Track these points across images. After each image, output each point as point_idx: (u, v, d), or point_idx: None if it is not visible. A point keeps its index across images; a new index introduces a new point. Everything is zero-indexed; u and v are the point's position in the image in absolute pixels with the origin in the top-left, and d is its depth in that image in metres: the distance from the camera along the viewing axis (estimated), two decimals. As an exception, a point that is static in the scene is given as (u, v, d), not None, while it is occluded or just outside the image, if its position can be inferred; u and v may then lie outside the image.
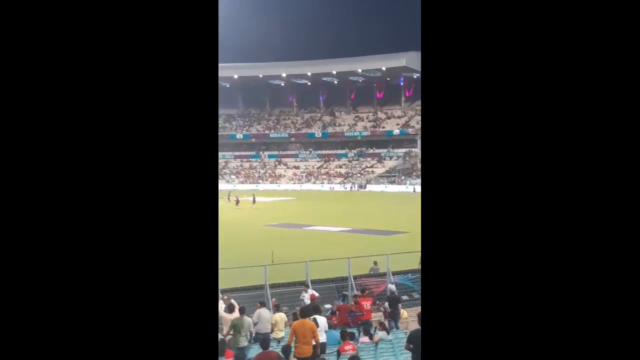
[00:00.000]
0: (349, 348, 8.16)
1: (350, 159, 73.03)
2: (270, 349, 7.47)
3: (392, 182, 63.10)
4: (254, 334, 9.52)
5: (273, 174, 72.36)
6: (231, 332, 8.98)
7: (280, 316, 10.03)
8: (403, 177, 63.62)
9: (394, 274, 14.72)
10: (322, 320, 9.15)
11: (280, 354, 7.26)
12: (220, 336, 8.65)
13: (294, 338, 7.61)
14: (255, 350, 8.49)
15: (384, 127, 73.66)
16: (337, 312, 11.23)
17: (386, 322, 10.63)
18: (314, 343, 7.62)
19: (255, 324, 9.61)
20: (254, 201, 42.46)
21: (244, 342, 8.91)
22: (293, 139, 78.21)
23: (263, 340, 7.50)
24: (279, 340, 9.33)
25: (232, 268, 13.64)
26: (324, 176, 69.71)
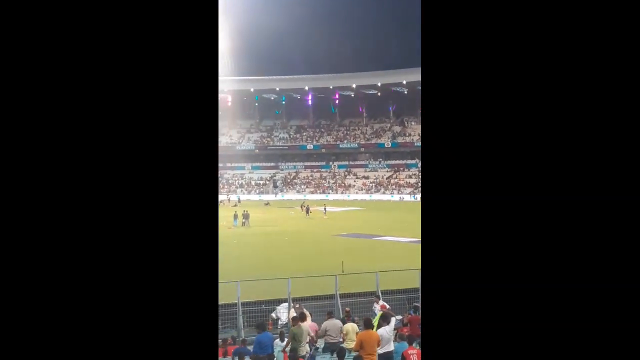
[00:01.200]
0: (412, 352, 8.14)
1: (420, 169, 72.04)
2: None
3: (464, 193, 61.43)
4: (321, 344, 9.64)
5: (343, 184, 72.56)
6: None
7: (352, 326, 10.13)
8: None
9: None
10: (389, 329, 9.16)
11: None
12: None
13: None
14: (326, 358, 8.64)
15: (455, 137, 71.96)
16: (409, 324, 11.17)
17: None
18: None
19: (325, 332, 9.76)
20: (324, 211, 42.78)
21: (303, 351, 9.02)
22: (363, 149, 78.12)
23: (340, 350, 7.61)
24: (349, 350, 9.43)
25: (303, 277, 13.89)
26: (394, 186, 69.14)
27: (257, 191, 73.51)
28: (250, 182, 77.43)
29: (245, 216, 36.44)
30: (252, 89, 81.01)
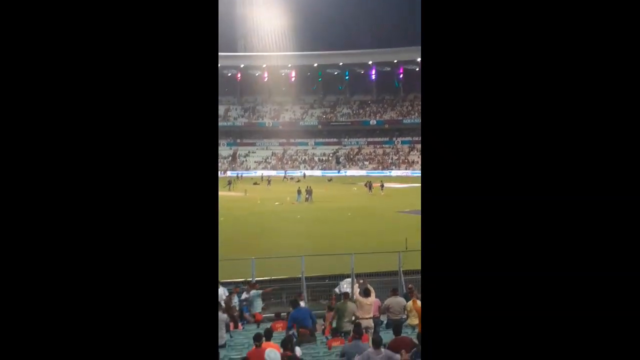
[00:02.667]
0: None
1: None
2: (404, 334, 7.56)
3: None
4: (384, 320, 9.66)
5: (406, 160, 71.74)
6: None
7: (416, 303, 10.07)
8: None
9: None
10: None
11: (415, 340, 7.34)
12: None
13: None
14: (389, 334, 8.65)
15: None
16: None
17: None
18: None
19: (388, 309, 9.77)
20: (382, 187, 42.50)
21: (347, 327, 9.01)
22: (427, 125, 76.75)
23: (396, 326, 7.61)
24: (414, 327, 9.39)
25: (366, 253, 13.91)
26: (459, 163, 67.71)
27: (320, 167, 73.88)
28: (313, 158, 77.89)
29: (309, 192, 36.77)
30: (315, 64, 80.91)
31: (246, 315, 11.77)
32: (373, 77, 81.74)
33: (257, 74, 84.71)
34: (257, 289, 12.65)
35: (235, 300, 11.95)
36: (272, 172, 67.75)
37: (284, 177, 62.43)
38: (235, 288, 12.16)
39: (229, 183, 46.04)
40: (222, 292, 12.10)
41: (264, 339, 7.36)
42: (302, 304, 10.36)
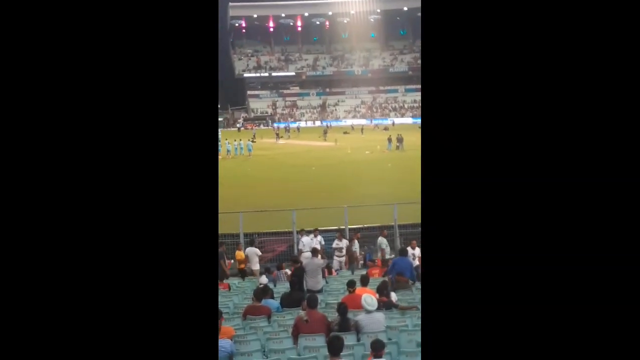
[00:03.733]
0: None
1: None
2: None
3: None
4: None
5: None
6: None
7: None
8: None
9: None
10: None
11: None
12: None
13: None
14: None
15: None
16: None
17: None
18: None
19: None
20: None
21: None
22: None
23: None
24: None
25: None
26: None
27: (411, 114, 72.49)
28: (404, 105, 76.49)
29: (399, 140, 36.32)
30: (405, 8, 78.31)
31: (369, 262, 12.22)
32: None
33: (345, 21, 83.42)
34: (358, 239, 12.93)
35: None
36: (362, 121, 67.41)
37: (375, 126, 61.97)
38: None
39: (325, 133, 46.33)
40: (319, 240, 12.46)
41: (357, 284, 7.49)
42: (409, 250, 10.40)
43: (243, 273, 12.19)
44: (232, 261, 12.56)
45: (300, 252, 12.34)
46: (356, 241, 12.95)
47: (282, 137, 49.83)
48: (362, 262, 12.88)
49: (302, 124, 68.82)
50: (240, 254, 12.42)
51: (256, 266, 12.09)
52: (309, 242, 12.38)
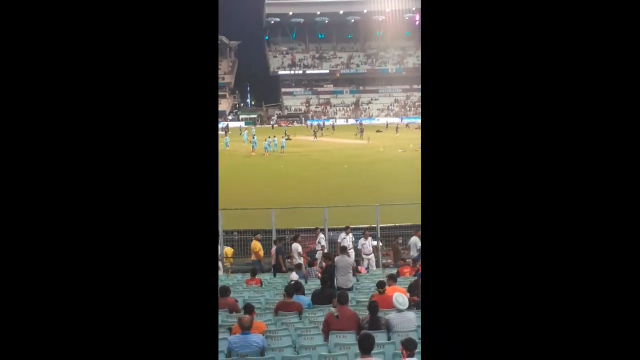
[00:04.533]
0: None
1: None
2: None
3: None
4: None
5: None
6: None
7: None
8: None
9: None
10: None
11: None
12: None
13: None
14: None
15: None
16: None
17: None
18: None
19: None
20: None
21: None
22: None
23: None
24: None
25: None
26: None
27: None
28: (438, 104, 75.69)
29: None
30: None
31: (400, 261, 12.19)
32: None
33: (380, 19, 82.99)
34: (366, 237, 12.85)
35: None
36: (395, 120, 66.97)
37: (406, 125, 61.54)
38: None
39: (361, 131, 46.16)
40: (350, 237, 12.48)
41: (387, 286, 7.46)
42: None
43: (275, 268, 12.28)
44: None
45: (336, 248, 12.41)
46: (370, 238, 12.90)
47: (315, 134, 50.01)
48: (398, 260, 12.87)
49: (335, 122, 68.82)
50: (256, 245, 12.55)
51: (299, 261, 12.23)
52: (342, 239, 12.45)
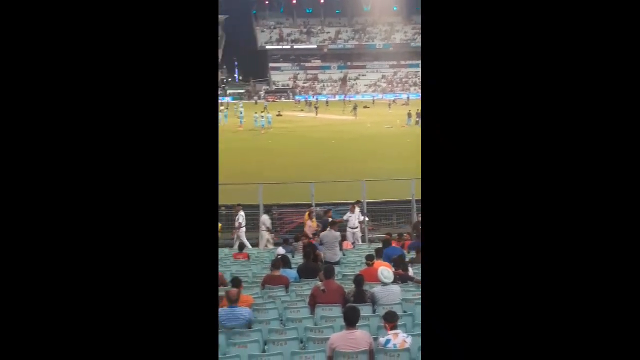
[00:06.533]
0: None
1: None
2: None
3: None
4: None
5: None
6: None
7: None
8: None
9: None
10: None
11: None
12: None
13: None
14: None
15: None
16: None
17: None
18: None
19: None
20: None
21: None
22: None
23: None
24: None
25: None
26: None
27: (432, 90, 71.71)
28: (425, 80, 75.56)
29: (419, 115, 36.09)
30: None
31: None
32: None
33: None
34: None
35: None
36: (382, 96, 66.77)
37: (392, 101, 61.46)
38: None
39: (354, 108, 45.73)
40: (356, 214, 12.66)
41: (375, 258, 7.59)
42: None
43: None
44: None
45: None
46: (358, 211, 12.99)
47: (302, 110, 49.69)
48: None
49: (321, 97, 68.49)
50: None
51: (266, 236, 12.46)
52: (347, 217, 12.74)
